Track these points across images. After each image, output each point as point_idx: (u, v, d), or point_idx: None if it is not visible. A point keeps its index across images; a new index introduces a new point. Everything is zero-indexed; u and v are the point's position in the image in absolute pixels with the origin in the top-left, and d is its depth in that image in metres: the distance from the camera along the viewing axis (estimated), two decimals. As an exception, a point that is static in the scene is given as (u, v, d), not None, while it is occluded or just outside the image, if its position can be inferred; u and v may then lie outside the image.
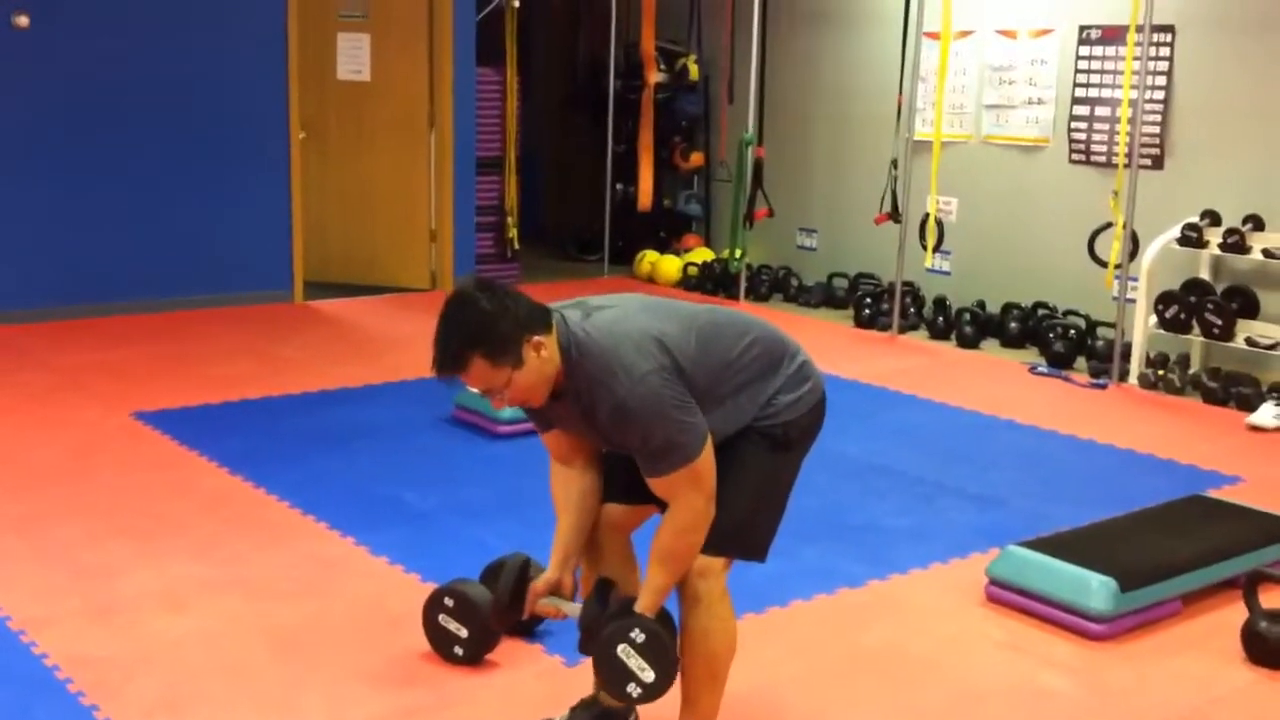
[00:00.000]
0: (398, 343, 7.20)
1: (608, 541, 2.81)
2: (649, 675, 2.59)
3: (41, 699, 3.10)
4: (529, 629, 3.43)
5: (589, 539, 2.81)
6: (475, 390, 2.55)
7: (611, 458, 2.78)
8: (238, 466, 4.85)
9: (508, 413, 5.17)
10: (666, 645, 2.60)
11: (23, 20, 6.91)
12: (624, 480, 2.72)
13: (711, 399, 2.59)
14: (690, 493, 2.53)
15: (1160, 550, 3.85)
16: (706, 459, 2.53)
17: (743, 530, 2.69)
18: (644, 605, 2.61)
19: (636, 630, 2.58)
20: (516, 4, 8.68)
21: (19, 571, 3.84)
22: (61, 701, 3.08)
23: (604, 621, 2.64)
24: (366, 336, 7.38)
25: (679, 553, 2.58)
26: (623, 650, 2.59)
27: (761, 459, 2.68)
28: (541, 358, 2.50)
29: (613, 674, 2.62)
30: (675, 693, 2.77)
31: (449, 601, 3.30)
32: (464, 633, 3.27)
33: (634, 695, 2.61)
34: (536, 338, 2.49)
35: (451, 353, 2.47)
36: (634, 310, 2.63)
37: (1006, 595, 3.78)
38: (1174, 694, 3.32)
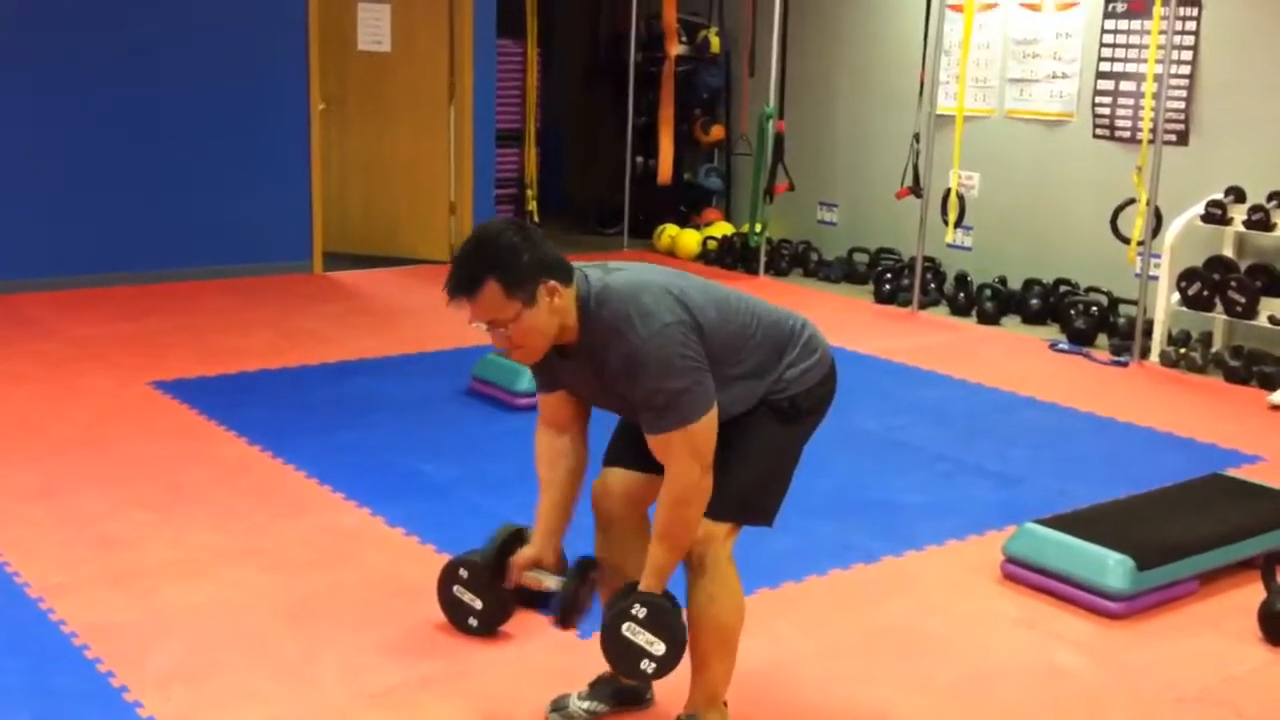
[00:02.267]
0: (416, 314, 7.21)
1: (615, 509, 2.80)
2: (659, 648, 2.58)
3: (59, 666, 3.12)
4: (538, 600, 3.44)
5: (602, 519, 2.81)
6: (480, 323, 2.52)
7: (622, 424, 2.78)
8: (256, 436, 4.86)
9: (525, 384, 5.19)
10: (670, 614, 2.59)
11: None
12: (631, 448, 2.71)
13: (721, 377, 2.57)
14: (686, 459, 2.50)
15: (1178, 529, 3.83)
16: (707, 427, 2.50)
17: (748, 497, 2.68)
18: (645, 586, 2.60)
19: (637, 606, 2.57)
20: (537, -25, 8.66)
21: (38, 539, 3.87)
22: (79, 669, 3.10)
23: (590, 599, 2.63)
24: (385, 308, 7.39)
25: (675, 527, 2.55)
26: (628, 629, 2.58)
27: (769, 429, 2.67)
28: (554, 305, 2.50)
29: (624, 656, 2.61)
30: (686, 665, 2.78)
31: (464, 573, 3.30)
32: (478, 604, 3.28)
33: (649, 671, 2.61)
34: (554, 283, 2.49)
35: (468, 274, 2.47)
36: (655, 270, 2.65)
37: (1023, 573, 3.77)
38: (1190, 673, 3.31)
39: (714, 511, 2.61)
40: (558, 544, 2.81)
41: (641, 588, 2.60)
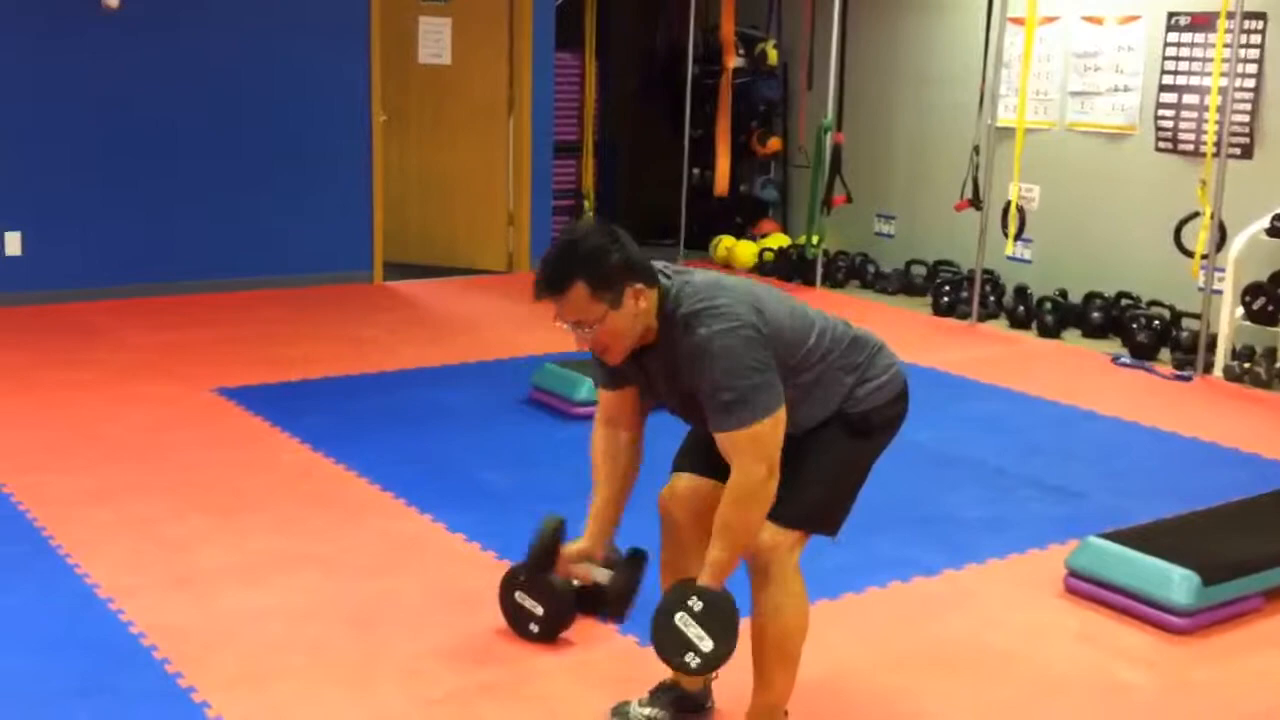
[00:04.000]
0: (475, 324, 7.26)
1: (681, 513, 2.79)
2: (707, 644, 2.58)
3: (129, 666, 3.17)
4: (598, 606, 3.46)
5: (667, 524, 2.82)
6: (565, 323, 2.54)
7: (694, 433, 2.79)
8: (318, 443, 4.92)
9: (585, 393, 5.21)
10: (726, 614, 2.59)
11: (113, 1, 7.03)
12: (701, 455, 2.72)
13: (793, 387, 2.58)
14: (751, 458, 2.50)
15: (1244, 545, 3.78)
16: (773, 427, 2.50)
17: (817, 507, 2.68)
18: (704, 580, 2.60)
19: (694, 598, 2.58)
20: (597, -12, 8.72)
21: (106, 543, 3.93)
22: (148, 669, 3.16)
23: (637, 591, 2.65)
24: (444, 318, 7.45)
25: (735, 525, 2.55)
26: (680, 619, 2.58)
27: (841, 442, 2.68)
28: (639, 308, 2.52)
29: (671, 644, 2.61)
30: (748, 674, 2.78)
31: (524, 579, 3.32)
32: (539, 610, 3.30)
33: (691, 665, 2.61)
34: (640, 285, 2.52)
35: (557, 273, 2.50)
36: (734, 278, 2.68)
37: (1085, 587, 3.74)
38: (1254, 691, 3.27)
39: (783, 519, 2.62)
40: (609, 540, 2.82)
41: (699, 583, 2.61)
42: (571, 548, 2.81)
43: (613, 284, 2.49)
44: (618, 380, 2.75)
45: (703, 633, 2.58)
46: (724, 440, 2.53)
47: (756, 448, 2.50)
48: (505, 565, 3.51)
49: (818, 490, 2.67)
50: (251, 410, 5.34)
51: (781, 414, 2.52)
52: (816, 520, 2.70)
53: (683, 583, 2.65)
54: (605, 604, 2.75)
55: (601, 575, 2.76)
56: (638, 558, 2.73)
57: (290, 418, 5.23)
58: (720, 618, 2.58)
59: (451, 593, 3.66)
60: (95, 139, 7.22)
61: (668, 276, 2.59)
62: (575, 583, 3.35)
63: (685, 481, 2.79)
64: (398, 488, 4.47)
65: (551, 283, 2.51)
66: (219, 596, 3.59)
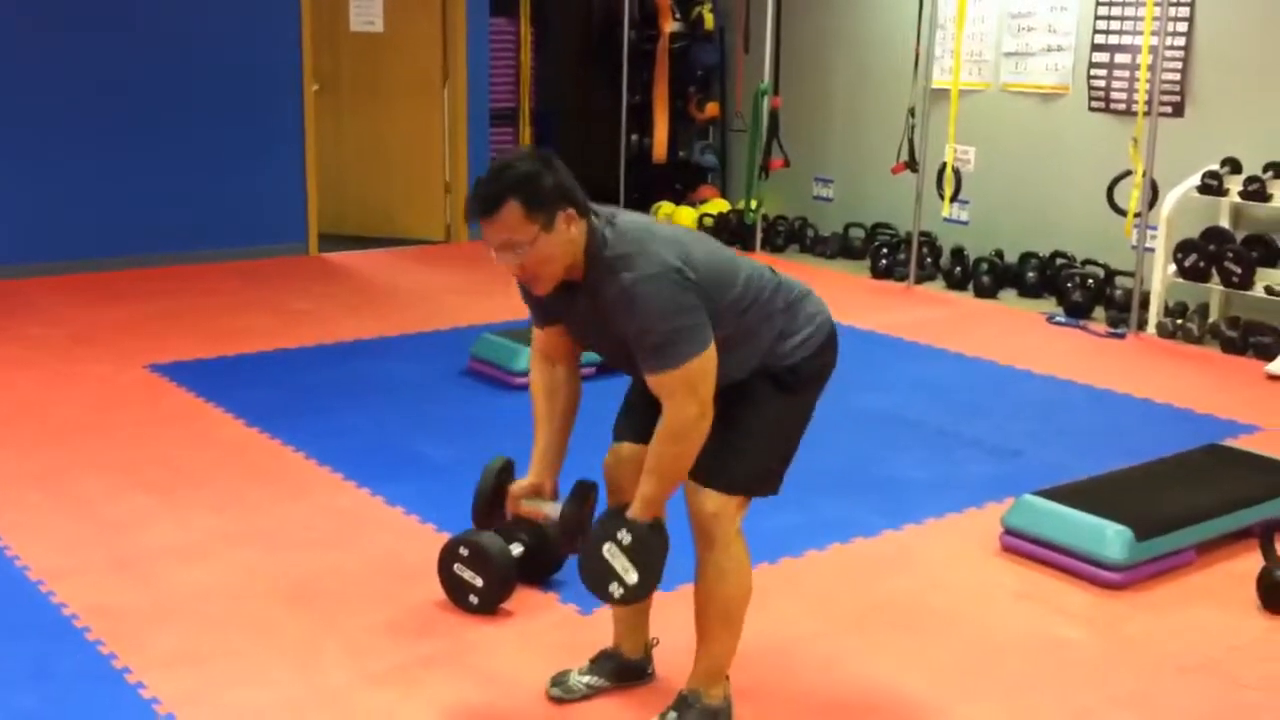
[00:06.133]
0: (413, 295, 7.20)
1: (626, 479, 2.79)
2: (632, 576, 2.58)
3: (60, 647, 3.13)
4: (538, 575, 3.45)
5: (613, 488, 2.81)
6: (494, 246, 2.51)
7: (630, 399, 2.79)
8: (255, 419, 4.87)
9: (523, 363, 5.18)
10: (652, 548, 2.58)
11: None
12: (640, 421, 2.72)
13: (719, 339, 2.56)
14: (684, 398, 2.50)
15: (1176, 499, 3.84)
16: (704, 366, 2.50)
17: (755, 470, 2.68)
18: (634, 513, 2.59)
19: (624, 531, 2.58)
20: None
21: (39, 524, 3.87)
22: (80, 650, 3.11)
23: (591, 523, 2.64)
24: (381, 289, 7.38)
25: (666, 462, 2.55)
26: (609, 550, 2.58)
27: (773, 400, 2.68)
28: (570, 234, 2.51)
29: (596, 573, 2.61)
30: (690, 641, 2.79)
31: (464, 551, 3.32)
32: (479, 582, 3.29)
33: (615, 595, 2.61)
34: (572, 211, 2.52)
35: (491, 194, 2.49)
36: (664, 224, 2.69)
37: (1022, 545, 3.78)
38: (1191, 643, 3.32)
39: (724, 486, 2.63)
40: (555, 475, 2.82)
41: (630, 514, 2.59)
42: (519, 485, 2.80)
43: (545, 205, 2.48)
44: (549, 317, 2.73)
45: (629, 564, 2.57)
46: (654, 382, 2.53)
47: (688, 388, 2.50)
48: (445, 537, 3.49)
49: (756, 453, 2.67)
50: (187, 387, 5.26)
51: (712, 352, 2.52)
52: (758, 484, 2.70)
53: (613, 514, 2.65)
54: (557, 536, 2.76)
55: (551, 509, 2.76)
56: (585, 488, 2.73)
57: (227, 393, 5.16)
58: (646, 552, 2.58)
59: (392, 566, 3.64)
60: (22, 112, 7.07)
61: (596, 215, 2.58)
62: (516, 549, 3.34)
63: (628, 449, 2.79)
64: (336, 462, 4.44)
65: (485, 202, 2.49)
66: (156, 576, 3.55)
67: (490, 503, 2.88)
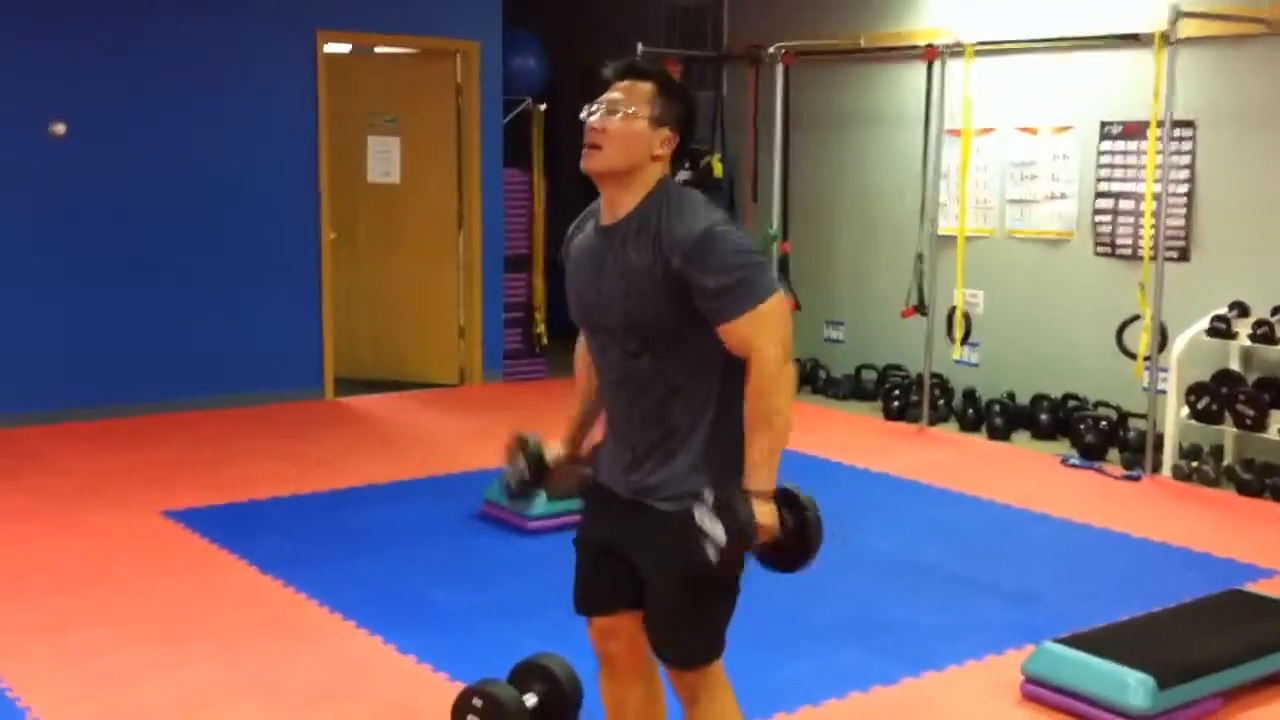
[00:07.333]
0: (427, 439, 7.22)
1: (623, 653, 2.75)
2: (720, 532, 2.43)
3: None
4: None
5: (605, 660, 2.79)
6: (602, 100, 2.59)
7: (582, 577, 2.76)
8: (267, 565, 4.84)
9: (538, 509, 5.18)
10: (735, 506, 2.43)
11: (59, 129, 7.07)
12: (603, 586, 2.70)
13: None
14: (765, 341, 2.46)
15: (1199, 646, 3.79)
16: (775, 309, 2.48)
17: (715, 633, 2.61)
18: (750, 483, 2.46)
19: (707, 491, 2.46)
20: (543, 107, 8.86)
21: (40, 677, 3.82)
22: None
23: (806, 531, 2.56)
24: (396, 433, 7.40)
25: (763, 416, 2.47)
26: (699, 513, 2.45)
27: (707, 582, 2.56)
28: (657, 147, 2.60)
29: (690, 537, 2.45)
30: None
31: (477, 702, 3.26)
32: (493, 734, 3.23)
33: (711, 557, 2.44)
34: (677, 142, 2.63)
35: (644, 71, 2.61)
36: None
37: (1043, 693, 3.72)
38: (1218, 795, 3.25)
39: (697, 663, 2.59)
40: (585, 439, 2.89)
41: (746, 485, 2.47)
42: (554, 454, 2.85)
43: (668, 111, 2.58)
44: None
45: (716, 524, 2.43)
46: (732, 330, 2.48)
47: (769, 327, 2.47)
48: (457, 687, 3.45)
49: (711, 618, 2.60)
50: (199, 533, 5.25)
51: (780, 297, 2.51)
52: (720, 640, 2.63)
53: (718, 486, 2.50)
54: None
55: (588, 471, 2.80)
56: (522, 442, 2.86)
57: (239, 539, 5.15)
58: (731, 513, 2.42)
59: (403, 716, 3.59)
60: (36, 260, 7.17)
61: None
62: (530, 699, 3.30)
63: (601, 623, 2.76)
64: (348, 609, 4.40)
65: (634, 70, 2.60)
66: (163, 728, 3.50)
67: (536, 478, 2.90)
